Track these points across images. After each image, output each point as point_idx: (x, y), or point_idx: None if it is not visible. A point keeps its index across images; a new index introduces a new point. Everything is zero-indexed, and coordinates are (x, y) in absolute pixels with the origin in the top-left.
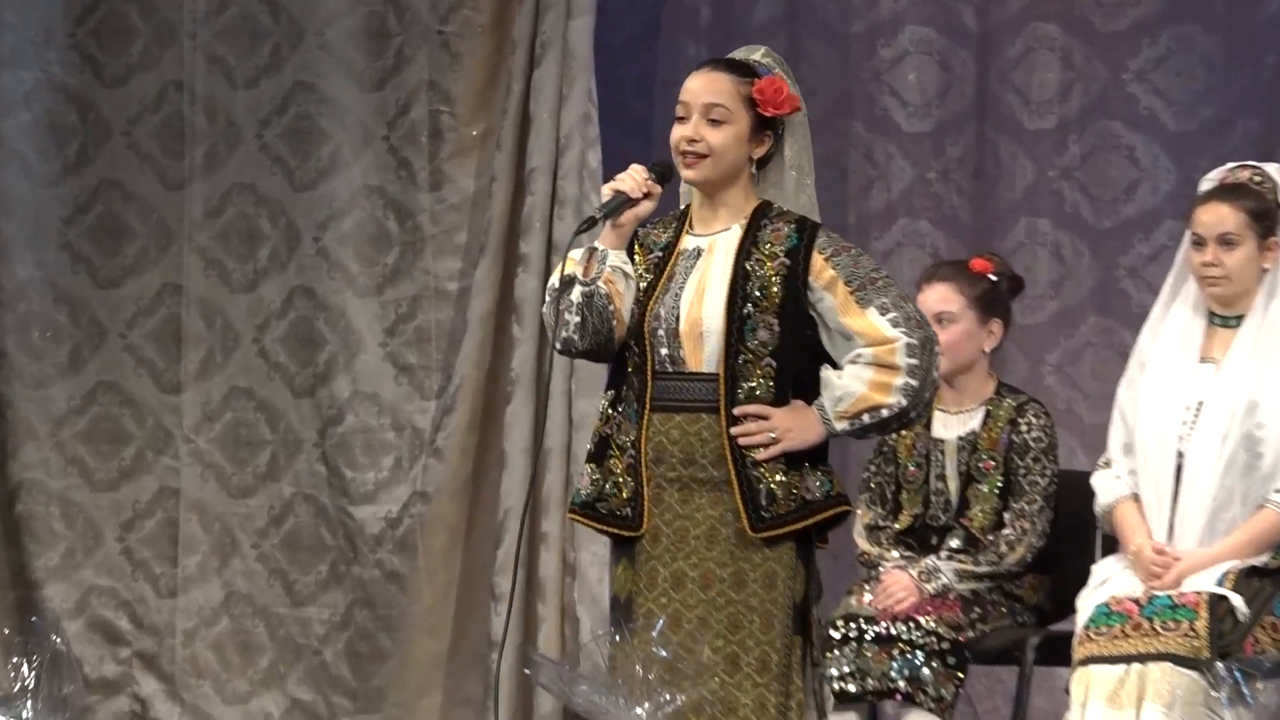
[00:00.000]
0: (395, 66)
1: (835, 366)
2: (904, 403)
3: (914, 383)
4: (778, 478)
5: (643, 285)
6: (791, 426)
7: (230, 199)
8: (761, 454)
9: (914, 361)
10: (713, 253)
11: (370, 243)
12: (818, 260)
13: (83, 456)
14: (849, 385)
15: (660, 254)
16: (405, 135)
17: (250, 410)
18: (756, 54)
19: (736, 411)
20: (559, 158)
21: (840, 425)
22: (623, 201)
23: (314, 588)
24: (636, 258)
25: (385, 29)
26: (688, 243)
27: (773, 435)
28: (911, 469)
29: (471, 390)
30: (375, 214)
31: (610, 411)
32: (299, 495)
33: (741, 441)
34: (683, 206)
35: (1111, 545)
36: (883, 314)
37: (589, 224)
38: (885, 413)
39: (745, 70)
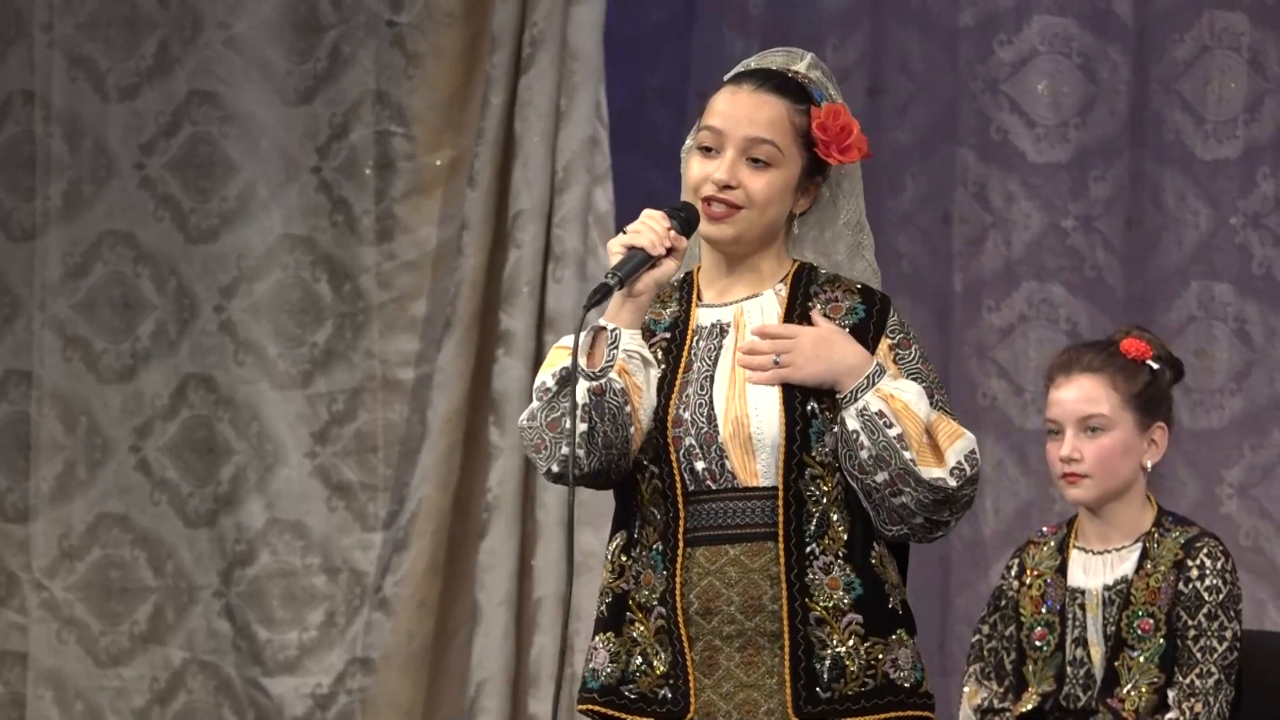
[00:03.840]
0: (329, 71)
1: None
2: (951, 486)
3: (963, 492)
4: (850, 642)
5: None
6: (813, 351)
7: (99, 253)
8: (754, 376)
9: (969, 471)
10: (741, 329)
11: (293, 315)
12: (883, 348)
13: None
14: (923, 403)
15: (668, 335)
16: (342, 166)
17: (126, 546)
18: (800, 64)
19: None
20: (555, 197)
21: (871, 402)
22: (640, 261)
23: None
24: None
25: (316, 19)
26: (702, 317)
27: (776, 358)
28: (1040, 630)
29: (432, 519)
30: (300, 275)
31: (623, 560)
32: (193, 663)
33: (741, 360)
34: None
35: None
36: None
37: (602, 294)
38: (928, 474)
39: (800, 94)
